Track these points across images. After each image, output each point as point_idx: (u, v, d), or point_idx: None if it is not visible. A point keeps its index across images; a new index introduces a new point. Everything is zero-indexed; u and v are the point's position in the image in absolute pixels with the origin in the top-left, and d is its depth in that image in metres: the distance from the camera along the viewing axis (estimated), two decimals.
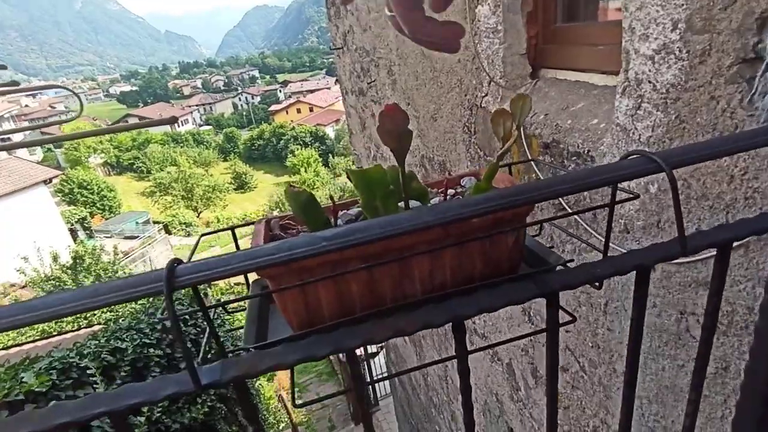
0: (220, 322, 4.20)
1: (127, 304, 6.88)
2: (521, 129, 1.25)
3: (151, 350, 3.12)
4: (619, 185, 0.50)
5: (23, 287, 14.24)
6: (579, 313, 1.16)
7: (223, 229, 0.66)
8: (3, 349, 4.85)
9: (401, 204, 0.51)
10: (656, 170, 0.42)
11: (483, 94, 1.44)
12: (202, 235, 0.65)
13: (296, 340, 0.45)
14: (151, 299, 4.06)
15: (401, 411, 4.90)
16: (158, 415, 3.01)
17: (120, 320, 3.26)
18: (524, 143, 1.22)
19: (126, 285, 0.35)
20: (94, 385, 2.52)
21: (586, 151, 1.00)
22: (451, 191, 0.62)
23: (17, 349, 4.63)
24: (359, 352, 8.92)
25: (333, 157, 49.89)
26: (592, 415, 1.25)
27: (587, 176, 0.43)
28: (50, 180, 22.58)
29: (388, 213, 0.48)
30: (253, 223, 0.63)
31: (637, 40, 0.80)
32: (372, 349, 8.60)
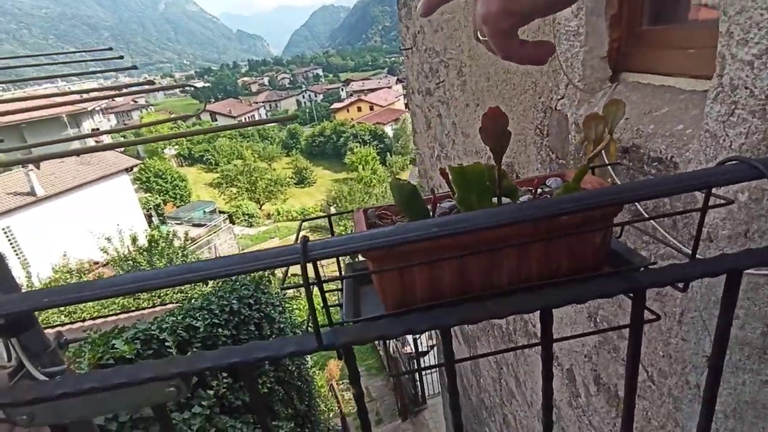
0: (281, 309, 4.41)
1: (198, 287, 7.42)
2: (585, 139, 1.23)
3: (220, 330, 3.35)
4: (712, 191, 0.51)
5: (104, 265, 15.58)
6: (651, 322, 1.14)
7: (322, 216, 0.73)
8: (91, 319, 5.39)
9: (494, 200, 0.55)
10: (757, 176, 0.43)
11: (559, 97, 1.43)
12: (303, 220, 0.73)
13: (391, 317, 0.51)
14: (220, 283, 4.33)
15: (451, 414, 4.90)
16: (224, 391, 3.23)
17: (192, 300, 3.52)
18: (588, 152, 1.21)
19: (267, 255, 0.42)
20: (170, 350, 2.76)
21: (669, 157, 0.98)
22: (541, 191, 0.65)
23: (102, 320, 5.12)
24: (409, 349, 8.96)
25: (391, 155, 50.23)
26: (659, 427, 1.21)
27: (684, 180, 0.44)
28: (131, 168, 24.58)
29: (482, 208, 0.52)
30: (345, 212, 0.70)
31: (735, 45, 0.78)
32: (422, 347, 8.62)
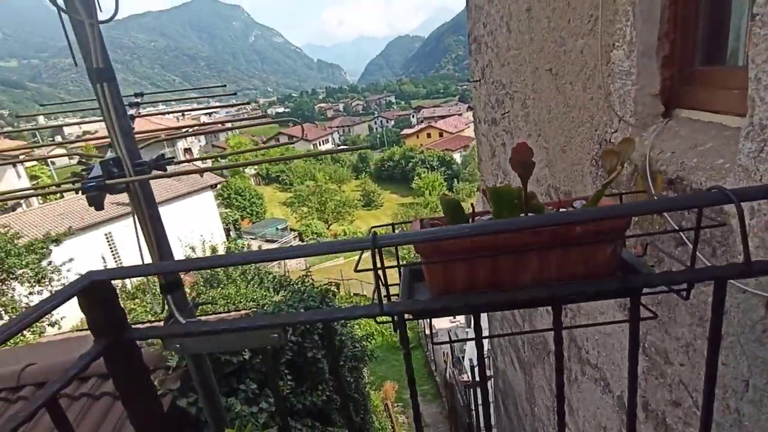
0: (343, 323, 4.63)
1: (269, 297, 7.93)
2: (647, 164, 1.32)
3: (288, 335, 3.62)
4: (704, 214, 0.62)
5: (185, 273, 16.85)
6: (694, 347, 1.18)
7: (390, 224, 0.90)
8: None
9: (522, 215, 0.69)
10: (727, 201, 0.55)
11: (613, 131, 1.52)
12: (373, 227, 0.91)
13: (435, 299, 0.67)
14: (290, 294, 4.65)
15: None
16: (287, 393, 3.47)
17: (265, 307, 3.82)
18: (648, 178, 1.29)
19: (347, 242, 0.60)
20: (244, 354, 3.04)
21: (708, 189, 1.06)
22: (563, 210, 0.78)
23: None
24: (466, 377, 8.78)
25: (458, 182, 50.03)
26: None
27: (676, 201, 0.57)
28: (215, 185, 26.69)
29: None
30: (407, 222, 0.87)
31: (763, 89, 0.87)
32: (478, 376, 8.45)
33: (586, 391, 2.09)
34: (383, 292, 0.73)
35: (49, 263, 12.16)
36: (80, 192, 2.11)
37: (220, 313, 6.35)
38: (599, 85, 1.58)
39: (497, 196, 0.67)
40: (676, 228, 1.09)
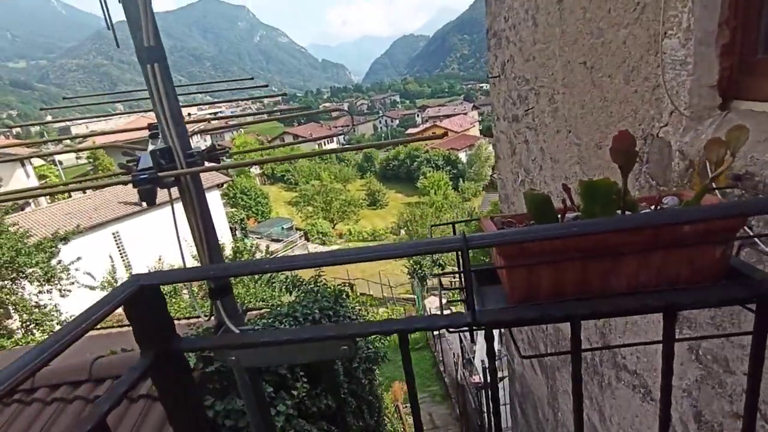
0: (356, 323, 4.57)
1: (283, 296, 7.82)
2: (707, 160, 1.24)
3: None
4: None
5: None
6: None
7: (447, 223, 0.83)
8: (185, 318, 5.92)
9: (617, 212, 0.62)
10: None
11: (662, 125, 1.44)
12: (432, 226, 0.83)
13: (530, 307, 0.59)
14: (304, 294, 4.59)
15: None
16: (303, 396, 3.40)
17: (278, 308, 3.76)
18: (709, 173, 1.21)
19: (435, 242, 0.53)
20: None
21: None
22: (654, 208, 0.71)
23: (195, 320, 5.62)
24: (477, 378, 8.68)
25: (463, 181, 49.89)
26: None
27: None
28: (222, 185, 26.71)
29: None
30: (471, 220, 0.80)
31: None
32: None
33: (622, 398, 2.01)
34: (452, 305, 0.66)
35: (59, 262, 12.18)
36: (131, 185, 1.94)
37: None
38: (645, 77, 1.50)
39: (592, 190, 0.59)
40: None
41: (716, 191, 1.17)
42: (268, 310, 4.01)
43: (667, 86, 1.39)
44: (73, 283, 12.32)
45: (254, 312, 4.36)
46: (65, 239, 11.55)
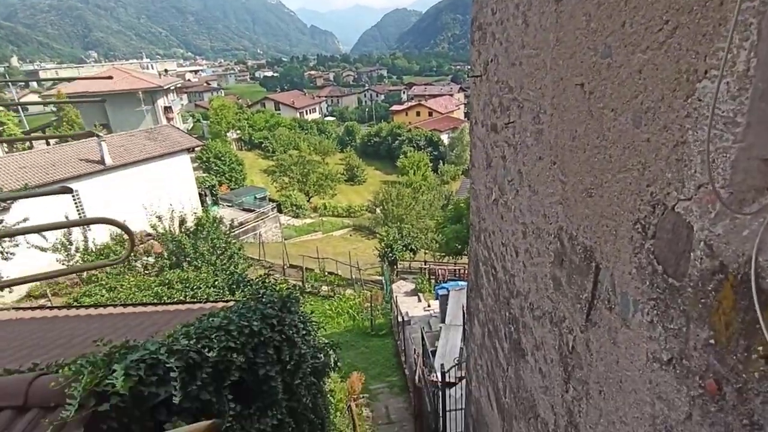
0: (305, 332, 4.17)
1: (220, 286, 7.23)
2: (753, 272, 0.84)
3: (234, 355, 3.13)
4: None
5: (155, 238, 16.08)
6: None
7: None
8: (141, 304, 5.41)
9: None
10: None
11: (682, 197, 1.04)
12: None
13: None
14: (247, 298, 4.14)
15: None
16: (230, 419, 3.00)
17: (211, 319, 3.31)
18: (755, 294, 0.81)
19: None
20: (173, 383, 2.54)
21: None
22: None
23: (141, 308, 5.11)
24: (436, 377, 8.49)
25: (443, 164, 49.64)
26: None
27: None
28: (193, 149, 25.61)
29: None
30: None
31: None
32: (450, 378, 8.14)
33: None
34: None
35: (0, 222, 11.34)
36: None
37: (177, 302, 5.80)
38: (665, 126, 1.08)
39: None
40: None
41: None
42: (236, 300, 3.55)
43: (694, 147, 0.98)
44: (17, 245, 11.51)
45: (201, 306, 3.91)
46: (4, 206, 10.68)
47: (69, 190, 1.33)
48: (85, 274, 12.90)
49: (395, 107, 72.74)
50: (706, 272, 0.96)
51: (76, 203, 19.56)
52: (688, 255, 1.02)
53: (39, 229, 1.35)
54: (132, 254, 12.74)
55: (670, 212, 1.09)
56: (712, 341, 0.96)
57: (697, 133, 0.97)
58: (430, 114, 64.15)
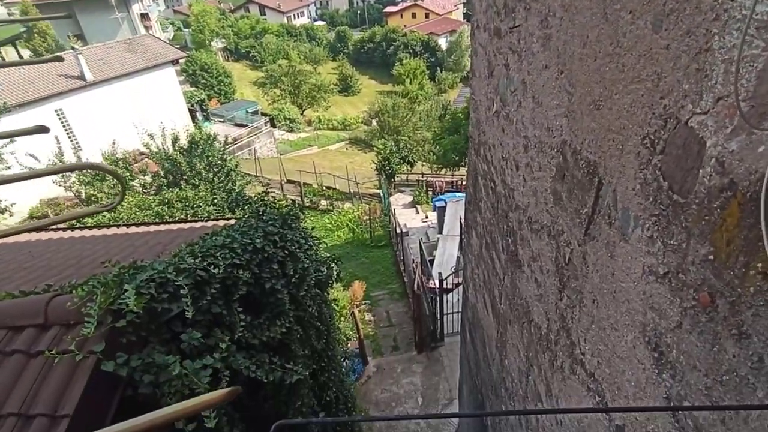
0: (307, 247, 4.27)
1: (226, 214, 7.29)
2: (764, 190, 0.82)
3: (240, 271, 3.23)
4: None
5: (149, 157, 15.87)
6: None
7: None
8: (143, 224, 5.46)
9: None
10: None
11: (697, 110, 0.99)
12: None
13: None
14: (247, 216, 4.18)
15: (467, 367, 4.87)
16: (242, 329, 3.19)
17: (214, 237, 3.38)
18: (763, 217, 0.81)
19: None
20: (184, 299, 2.65)
21: None
22: None
23: (144, 228, 5.18)
24: (433, 284, 8.93)
25: (441, 71, 47.49)
26: None
27: None
28: (177, 61, 24.23)
29: None
30: None
31: None
32: (447, 285, 8.57)
33: (572, 390, 1.83)
34: None
35: None
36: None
37: (178, 221, 5.87)
38: (688, 31, 1.00)
39: None
40: None
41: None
42: (238, 218, 3.59)
43: (718, 55, 0.91)
44: (8, 168, 11.38)
45: (203, 225, 3.96)
46: None
47: (46, 130, 1.26)
48: (84, 194, 12.91)
49: (389, 8, 67.68)
50: (713, 189, 0.95)
51: (63, 124, 18.99)
52: (696, 172, 1.00)
53: (29, 176, 1.31)
54: (128, 176, 12.64)
55: (683, 127, 1.04)
56: (711, 257, 0.98)
57: (725, 39, 0.89)
58: (427, 15, 59.94)
